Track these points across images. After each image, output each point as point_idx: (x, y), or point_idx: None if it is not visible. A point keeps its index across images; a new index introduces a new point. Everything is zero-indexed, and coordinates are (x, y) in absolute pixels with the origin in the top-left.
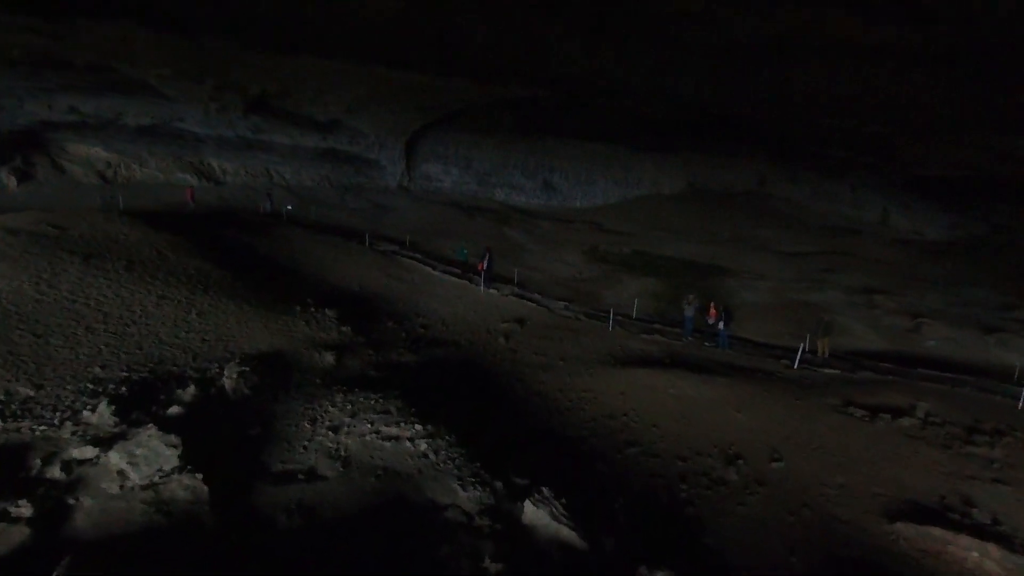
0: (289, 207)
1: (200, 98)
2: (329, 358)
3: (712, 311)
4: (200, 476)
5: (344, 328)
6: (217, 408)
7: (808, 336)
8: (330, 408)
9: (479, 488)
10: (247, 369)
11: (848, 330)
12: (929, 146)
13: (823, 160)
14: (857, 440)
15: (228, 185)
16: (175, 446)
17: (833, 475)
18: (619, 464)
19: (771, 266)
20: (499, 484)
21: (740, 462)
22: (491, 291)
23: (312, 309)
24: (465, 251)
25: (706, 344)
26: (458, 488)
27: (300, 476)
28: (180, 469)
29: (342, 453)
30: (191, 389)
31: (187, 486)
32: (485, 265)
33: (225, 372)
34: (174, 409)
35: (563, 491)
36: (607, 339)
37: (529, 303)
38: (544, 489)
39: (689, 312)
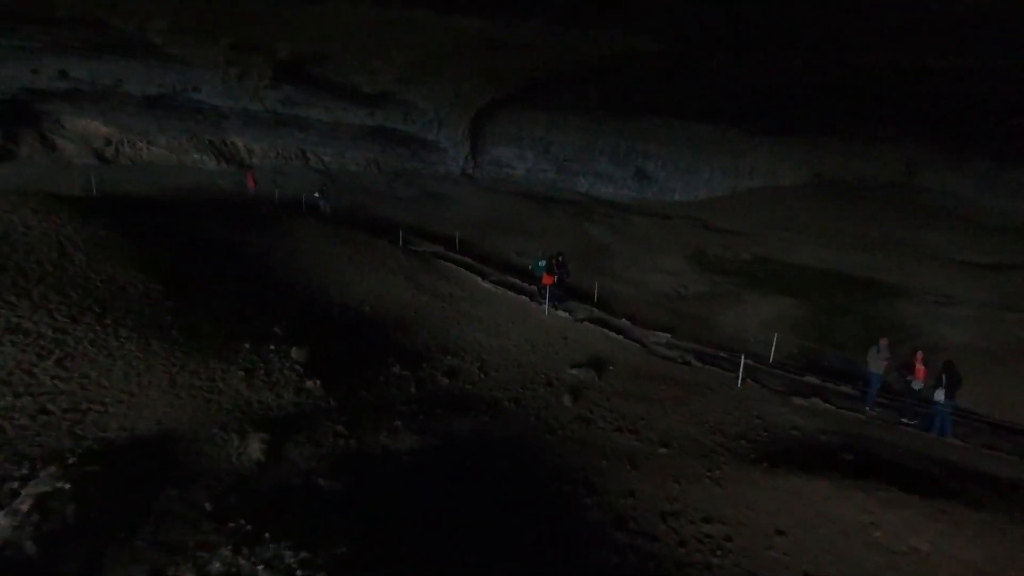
0: (316, 195)
1: (215, 61)
2: (255, 448)
3: (919, 366)
4: None
5: (311, 382)
6: None
7: None
8: None
9: None
10: (64, 487)
11: None
12: None
13: (998, 143)
14: None
15: (259, 168)
16: None
17: None
18: None
19: (958, 283)
20: None
21: None
22: (560, 313)
23: (272, 347)
24: (542, 264)
25: (903, 421)
26: None
27: None
28: None
29: None
30: None
31: None
32: (555, 278)
33: (23, 493)
34: None
35: None
36: (736, 403)
37: (613, 334)
38: None
39: (878, 364)
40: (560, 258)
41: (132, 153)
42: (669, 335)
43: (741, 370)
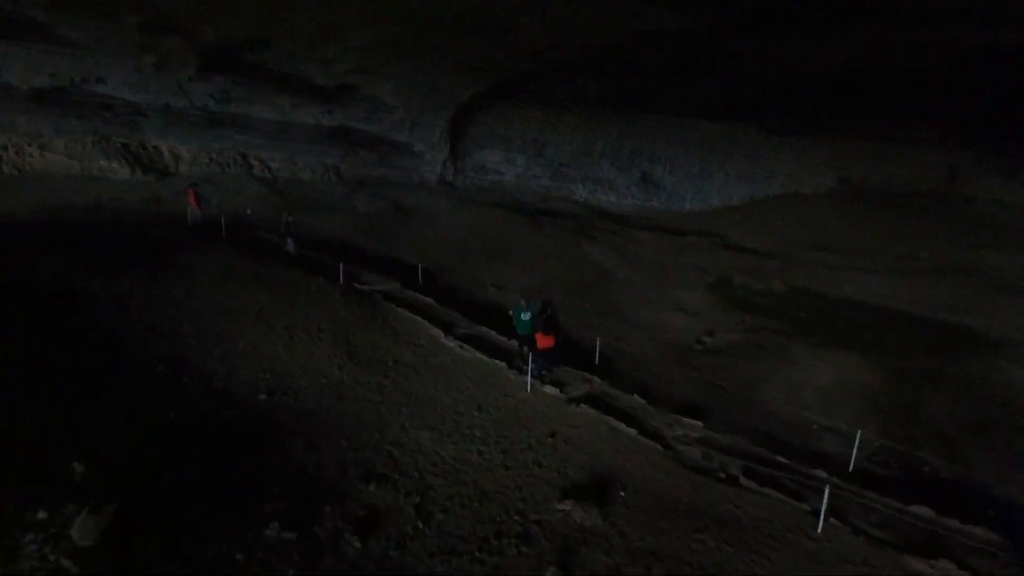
0: (249, 211)
1: (123, 46)
2: None
3: None
4: None
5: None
6: None
7: None
8: None
9: None
10: None
11: None
12: None
13: None
14: None
15: (185, 178)
16: None
17: None
18: None
19: None
20: None
21: None
22: (547, 389)
23: (42, 516)
24: (527, 314)
25: None
26: None
27: None
28: None
29: None
30: None
31: None
32: (541, 333)
33: None
34: None
35: None
36: (820, 566)
37: (622, 426)
38: None
39: None
40: (549, 312)
41: (18, 161)
42: (701, 424)
43: (824, 505)
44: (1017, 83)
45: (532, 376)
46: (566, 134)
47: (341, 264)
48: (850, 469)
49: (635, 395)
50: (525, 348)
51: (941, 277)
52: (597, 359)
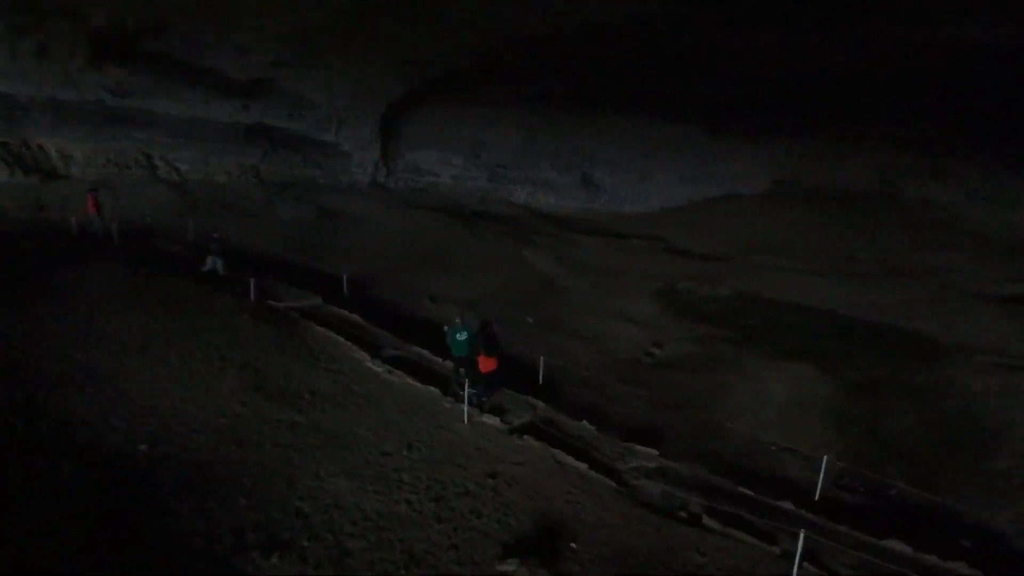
0: (149, 218)
1: None
2: None
3: None
4: None
5: None
6: None
7: None
8: None
9: None
10: None
11: None
12: None
13: (984, 147)
14: None
15: (80, 181)
16: None
17: None
18: None
19: (1003, 329)
20: None
21: None
22: (486, 420)
23: None
24: (463, 333)
25: None
26: None
27: None
28: None
29: None
30: None
31: None
32: (484, 355)
33: None
34: None
35: None
36: None
37: (571, 460)
38: None
39: None
40: (487, 331)
41: None
42: (656, 452)
43: (799, 550)
44: (944, 83)
45: (470, 404)
46: (505, 134)
47: (252, 279)
48: (816, 497)
49: (584, 421)
50: (462, 370)
51: (884, 280)
52: (541, 379)
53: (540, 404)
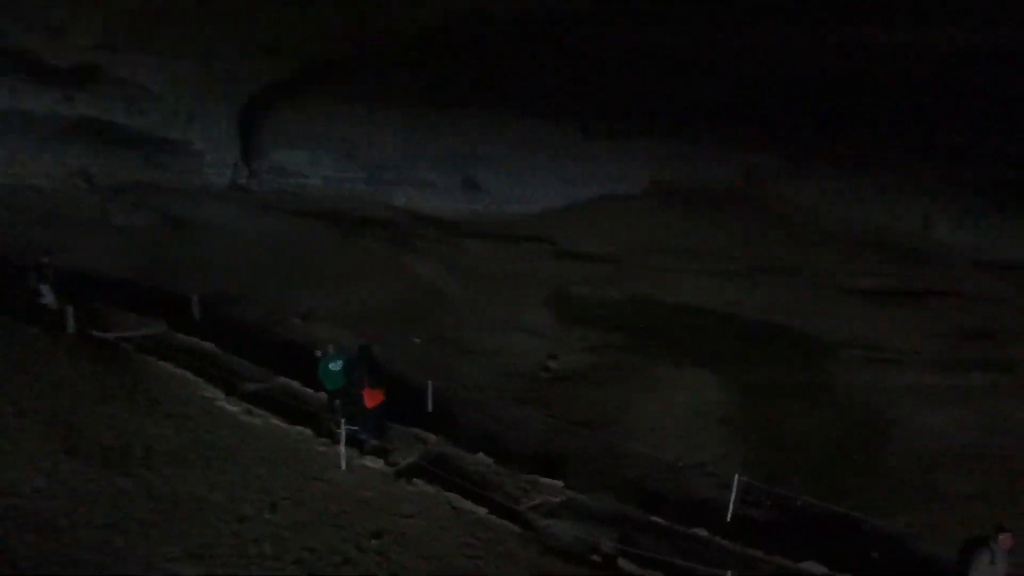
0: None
1: None
2: None
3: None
4: None
5: None
6: None
7: None
8: None
9: None
10: None
11: None
12: None
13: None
14: None
15: None
16: None
17: None
18: None
19: (870, 321)
20: None
21: None
22: (368, 461)
23: None
24: (337, 362)
25: None
26: None
27: None
28: None
29: None
30: None
31: None
32: (369, 387)
33: None
34: None
35: None
36: None
37: (469, 504)
38: None
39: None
40: (367, 356)
41: None
42: (561, 483)
43: None
44: (794, 82)
45: (348, 444)
46: (383, 132)
47: (70, 306)
48: (728, 518)
49: (480, 453)
50: (337, 403)
51: (764, 278)
52: (431, 406)
53: (431, 437)
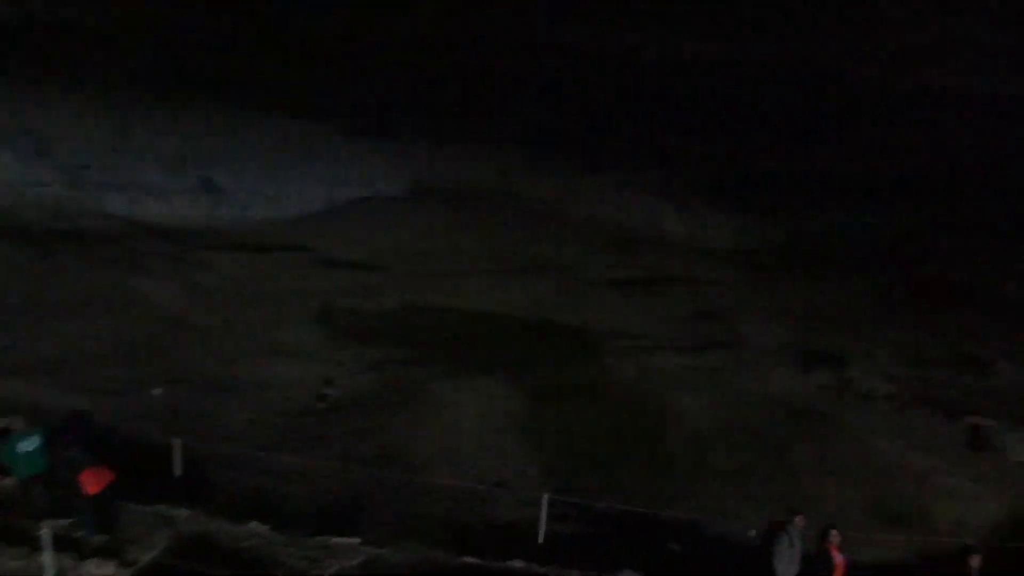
0: None
1: None
2: None
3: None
4: None
5: None
6: None
7: None
8: None
9: None
10: None
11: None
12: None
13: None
14: None
15: None
16: None
17: None
18: None
19: (627, 314)
20: None
21: None
22: (91, 566)
23: None
24: (32, 441)
25: None
26: None
27: None
28: None
29: None
30: None
31: None
32: (91, 469)
33: None
34: None
35: None
36: None
37: None
38: None
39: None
40: (87, 422)
41: None
42: (358, 540)
43: None
44: (520, 82)
45: (58, 547)
46: (86, 125)
47: None
48: (540, 540)
49: (252, 522)
50: (36, 491)
51: (528, 275)
52: (180, 469)
53: (182, 512)
